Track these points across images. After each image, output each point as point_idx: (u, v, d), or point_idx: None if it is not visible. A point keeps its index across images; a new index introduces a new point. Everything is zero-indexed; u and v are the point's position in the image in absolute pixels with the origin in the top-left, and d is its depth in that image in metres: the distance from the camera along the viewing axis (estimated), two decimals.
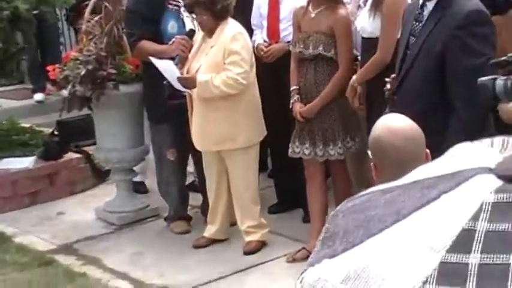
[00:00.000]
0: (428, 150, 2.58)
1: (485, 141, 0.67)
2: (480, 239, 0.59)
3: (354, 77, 4.70)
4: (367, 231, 0.64)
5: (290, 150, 5.01)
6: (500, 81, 2.83)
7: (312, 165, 5.01)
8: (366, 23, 4.63)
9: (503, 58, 2.90)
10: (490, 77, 2.89)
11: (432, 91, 3.68)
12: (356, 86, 4.68)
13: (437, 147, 3.56)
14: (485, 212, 0.60)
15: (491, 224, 0.59)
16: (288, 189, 5.70)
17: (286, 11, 5.41)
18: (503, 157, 0.63)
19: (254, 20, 5.58)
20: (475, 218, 0.60)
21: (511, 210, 0.59)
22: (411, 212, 0.62)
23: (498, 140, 0.66)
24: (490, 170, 0.62)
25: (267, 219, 5.31)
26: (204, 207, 5.49)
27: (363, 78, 4.64)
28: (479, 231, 0.59)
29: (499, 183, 0.61)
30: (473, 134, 3.43)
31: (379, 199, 0.65)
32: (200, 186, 5.59)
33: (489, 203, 0.60)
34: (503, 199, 0.60)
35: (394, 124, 2.58)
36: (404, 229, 0.62)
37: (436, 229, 0.60)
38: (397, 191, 0.65)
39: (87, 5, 5.60)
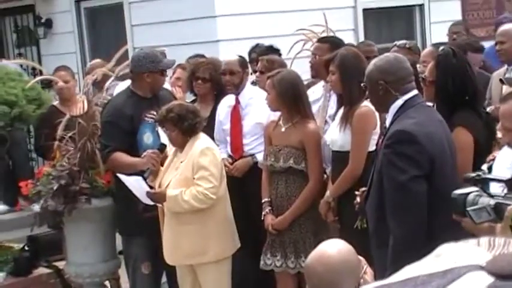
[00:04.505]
0: (362, 279, 2.61)
1: (472, 241, 0.69)
2: None
3: (328, 192, 4.73)
4: None
5: (262, 262, 4.99)
6: (471, 197, 2.81)
7: (283, 278, 4.99)
8: (336, 137, 4.68)
9: (474, 175, 2.91)
10: (462, 191, 2.87)
11: (382, 205, 3.74)
12: (330, 201, 4.73)
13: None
14: None
15: None
16: None
17: (249, 126, 5.50)
18: (493, 255, 0.66)
19: (217, 135, 5.61)
20: None
21: None
22: None
23: (484, 240, 0.68)
24: (481, 268, 0.64)
25: None
26: None
27: (337, 193, 4.66)
28: None
29: (491, 279, 0.64)
30: (403, 248, 3.44)
31: None
32: None
33: None
34: None
35: (323, 249, 2.61)
36: None
37: None
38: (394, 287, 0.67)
39: (60, 121, 5.66)
